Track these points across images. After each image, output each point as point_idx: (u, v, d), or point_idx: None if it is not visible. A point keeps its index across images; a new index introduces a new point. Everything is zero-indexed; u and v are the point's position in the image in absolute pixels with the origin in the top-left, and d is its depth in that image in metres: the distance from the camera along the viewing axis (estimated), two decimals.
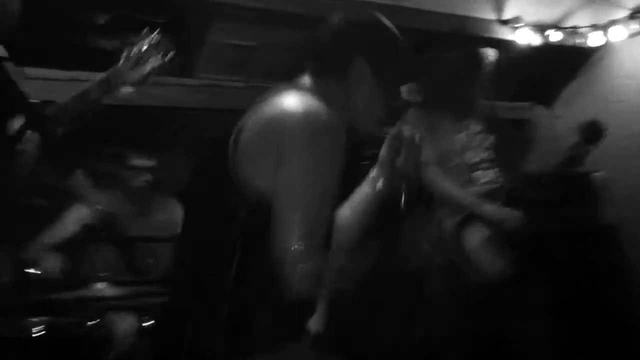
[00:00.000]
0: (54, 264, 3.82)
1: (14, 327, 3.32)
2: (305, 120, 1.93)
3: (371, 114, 2.17)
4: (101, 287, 3.70)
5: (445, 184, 3.90)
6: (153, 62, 2.17)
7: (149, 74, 2.15)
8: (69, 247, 3.95)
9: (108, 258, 4.00)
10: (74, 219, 4.05)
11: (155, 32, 2.21)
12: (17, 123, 1.50)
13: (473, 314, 3.64)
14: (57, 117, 1.52)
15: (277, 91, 2.08)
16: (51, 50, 4.14)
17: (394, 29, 2.15)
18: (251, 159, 1.96)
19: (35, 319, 3.49)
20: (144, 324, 3.68)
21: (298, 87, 2.11)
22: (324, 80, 2.13)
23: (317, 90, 2.09)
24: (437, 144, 3.92)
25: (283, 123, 1.94)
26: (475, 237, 3.82)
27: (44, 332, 3.41)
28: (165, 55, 2.21)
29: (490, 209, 3.82)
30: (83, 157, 3.88)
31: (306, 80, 2.16)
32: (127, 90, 2.13)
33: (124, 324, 3.60)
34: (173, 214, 4.33)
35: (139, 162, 4.09)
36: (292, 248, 1.80)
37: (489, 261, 3.75)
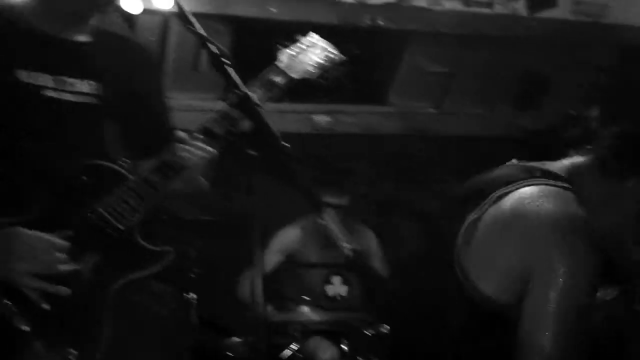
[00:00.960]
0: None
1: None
2: (568, 226, 1.59)
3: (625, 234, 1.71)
4: (305, 311, 3.78)
5: None
6: (316, 60, 2.01)
7: (314, 69, 1.98)
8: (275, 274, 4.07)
9: (312, 283, 4.09)
10: (279, 248, 4.19)
11: (311, 35, 2.07)
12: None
13: None
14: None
15: (518, 175, 1.71)
16: None
17: None
18: (485, 261, 1.66)
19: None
20: (343, 350, 3.70)
21: (546, 173, 1.72)
22: (601, 178, 1.70)
23: (574, 182, 1.69)
24: None
25: (535, 229, 1.60)
26: None
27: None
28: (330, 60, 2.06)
29: None
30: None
31: (560, 165, 1.75)
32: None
33: (327, 352, 3.65)
34: (369, 243, 4.36)
35: (333, 200, 4.12)
36: None
37: None
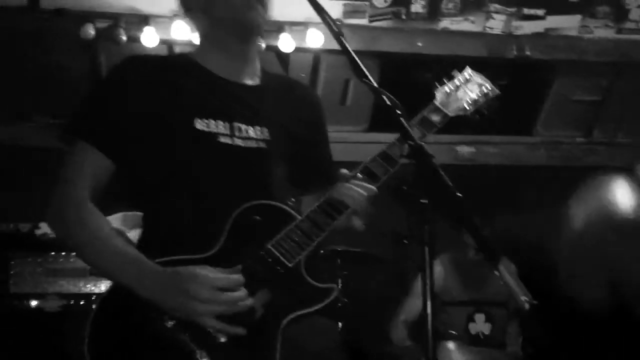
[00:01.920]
0: (402, 335, 4.00)
1: None
2: None
3: None
4: (451, 347, 3.76)
5: None
6: (471, 96, 2.00)
7: (470, 105, 1.97)
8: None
9: (454, 320, 4.06)
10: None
11: (467, 70, 2.05)
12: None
13: None
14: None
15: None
16: None
17: None
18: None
19: None
20: None
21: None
22: None
23: None
24: None
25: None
26: None
27: None
28: (486, 95, 2.03)
29: None
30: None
31: None
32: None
33: None
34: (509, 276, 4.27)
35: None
36: None
37: None
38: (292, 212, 1.83)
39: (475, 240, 1.48)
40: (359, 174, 1.81)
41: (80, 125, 1.82)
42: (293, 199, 1.95)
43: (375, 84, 1.75)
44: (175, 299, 1.61)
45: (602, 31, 4.45)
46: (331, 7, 4.04)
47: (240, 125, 1.85)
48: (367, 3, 4.10)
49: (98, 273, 1.85)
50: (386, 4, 4.13)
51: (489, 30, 4.31)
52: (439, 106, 1.92)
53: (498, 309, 4.13)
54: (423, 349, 1.45)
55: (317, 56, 4.27)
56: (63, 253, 3.59)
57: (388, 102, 1.67)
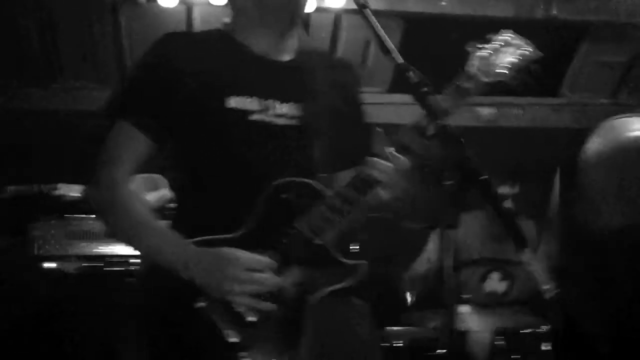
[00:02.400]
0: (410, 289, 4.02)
1: None
2: None
3: None
4: (466, 311, 3.77)
5: None
6: (510, 59, 1.87)
7: (505, 70, 1.84)
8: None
9: (469, 280, 4.05)
10: (432, 250, 4.19)
11: (504, 32, 1.87)
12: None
13: None
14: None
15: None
16: None
17: None
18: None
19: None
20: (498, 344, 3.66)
21: None
22: None
23: None
24: None
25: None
26: None
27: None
28: (525, 58, 1.91)
29: None
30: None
31: None
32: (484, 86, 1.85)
33: (480, 343, 3.62)
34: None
35: (503, 189, 4.04)
36: None
37: None
38: (322, 188, 1.82)
39: (503, 226, 1.44)
40: (390, 149, 1.75)
41: (120, 104, 1.85)
42: (325, 175, 1.92)
43: (401, 59, 1.70)
44: (214, 278, 1.65)
45: None
46: None
47: (275, 102, 1.85)
48: None
49: (139, 252, 1.89)
50: None
51: None
52: (474, 73, 1.77)
53: (514, 267, 4.10)
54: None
55: (337, 16, 4.18)
56: (82, 215, 3.61)
57: (414, 79, 1.64)
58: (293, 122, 1.86)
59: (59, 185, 3.72)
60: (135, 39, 4.00)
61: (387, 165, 1.72)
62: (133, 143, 1.80)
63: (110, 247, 3.54)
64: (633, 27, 4.43)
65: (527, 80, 1.92)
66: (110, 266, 3.52)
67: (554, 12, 4.27)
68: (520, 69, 1.86)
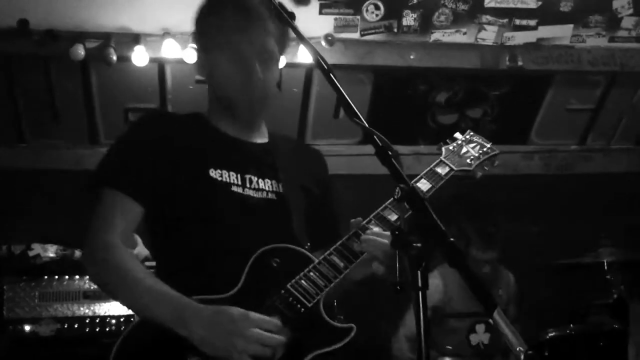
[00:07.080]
0: (404, 348, 3.99)
1: None
2: None
3: None
4: None
5: None
6: (474, 155, 2.19)
7: (472, 162, 2.18)
8: None
9: (455, 332, 4.04)
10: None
11: (468, 132, 2.25)
12: None
13: None
14: None
15: None
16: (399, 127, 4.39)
17: None
18: None
19: None
20: None
21: None
22: None
23: None
24: None
25: None
26: None
27: None
28: (486, 154, 2.24)
29: None
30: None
31: None
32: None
33: None
34: (509, 286, 4.27)
35: (480, 254, 4.04)
36: None
37: None
38: (310, 255, 1.91)
39: (470, 286, 1.47)
40: (374, 221, 1.92)
41: (107, 174, 1.94)
42: (308, 244, 2.02)
43: (366, 124, 1.74)
44: (216, 333, 1.66)
45: (594, 40, 4.44)
46: (323, 22, 4.04)
47: (251, 177, 1.98)
48: (358, 17, 4.08)
49: (136, 313, 1.88)
50: (377, 18, 4.11)
51: (481, 42, 4.29)
52: (445, 161, 2.11)
53: None
54: None
55: (309, 71, 4.25)
56: (56, 276, 3.57)
57: (380, 144, 1.67)
58: (271, 196, 1.98)
59: (33, 245, 3.70)
60: (106, 98, 4.01)
61: (382, 242, 1.82)
62: (121, 208, 1.87)
63: (86, 307, 3.52)
64: (596, 74, 4.55)
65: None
66: (86, 327, 3.49)
67: (520, 62, 4.38)
68: (483, 163, 2.19)
